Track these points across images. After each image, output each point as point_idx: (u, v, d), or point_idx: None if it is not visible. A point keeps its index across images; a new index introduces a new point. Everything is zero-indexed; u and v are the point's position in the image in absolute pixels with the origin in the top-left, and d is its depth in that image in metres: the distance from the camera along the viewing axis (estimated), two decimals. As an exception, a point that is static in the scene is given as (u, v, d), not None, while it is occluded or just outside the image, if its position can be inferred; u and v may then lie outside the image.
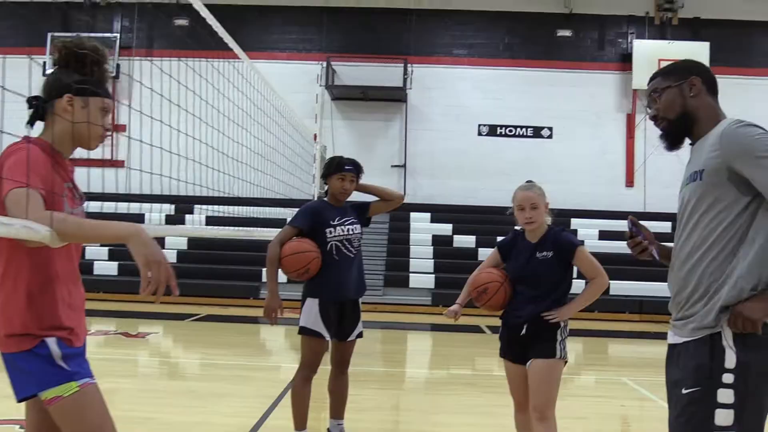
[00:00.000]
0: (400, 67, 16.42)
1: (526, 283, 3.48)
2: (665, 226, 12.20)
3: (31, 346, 2.12)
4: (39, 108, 2.21)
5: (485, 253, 3.23)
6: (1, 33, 16.30)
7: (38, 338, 2.13)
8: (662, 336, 2.61)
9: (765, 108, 15.88)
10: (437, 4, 17.02)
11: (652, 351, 9.47)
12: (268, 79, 6.40)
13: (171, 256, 14.68)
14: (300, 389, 4.11)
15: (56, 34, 16.18)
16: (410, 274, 14.15)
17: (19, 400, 2.18)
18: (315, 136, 9.63)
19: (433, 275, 13.71)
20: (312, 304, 4.11)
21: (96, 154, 2.49)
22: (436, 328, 11.59)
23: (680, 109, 2.30)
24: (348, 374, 4.30)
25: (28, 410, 2.29)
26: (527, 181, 3.60)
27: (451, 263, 14.08)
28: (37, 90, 2.28)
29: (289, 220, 4.27)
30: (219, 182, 5.22)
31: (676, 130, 2.32)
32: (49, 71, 2.26)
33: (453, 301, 3.62)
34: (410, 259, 14.66)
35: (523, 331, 3.46)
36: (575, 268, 3.51)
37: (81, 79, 2.22)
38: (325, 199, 4.30)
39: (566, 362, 3.49)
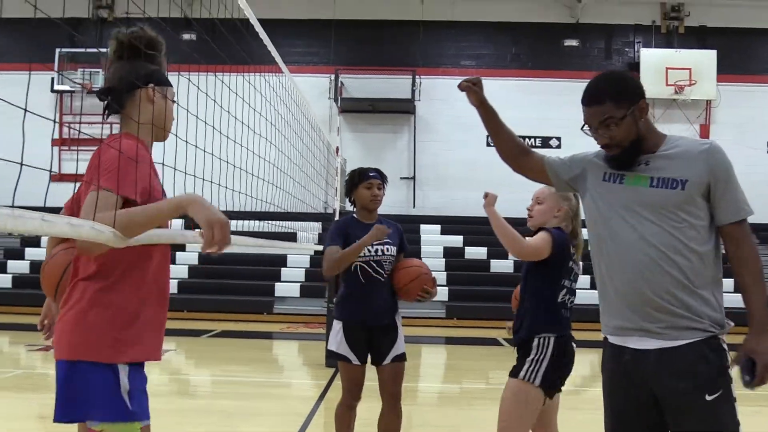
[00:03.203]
0: (408, 78, 16.42)
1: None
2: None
3: (104, 361, 1.98)
4: (117, 101, 2.15)
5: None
6: (7, 49, 16.35)
7: (112, 360, 2.00)
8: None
9: (773, 115, 15.92)
10: (444, 15, 17.05)
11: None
12: (281, 91, 6.36)
13: (182, 272, 14.64)
14: (340, 416, 3.86)
15: (64, 49, 16.22)
16: (422, 287, 14.02)
17: (64, 421, 2.02)
18: (337, 149, 9.59)
19: (446, 288, 13.64)
20: (337, 327, 3.87)
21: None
22: (450, 341, 11.52)
23: (634, 136, 2.26)
24: (401, 409, 3.86)
25: None
26: None
27: (463, 275, 14.01)
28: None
29: (326, 241, 3.99)
30: (234, 196, 5.18)
31: (630, 155, 2.28)
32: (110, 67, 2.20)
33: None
34: (421, 272, 14.53)
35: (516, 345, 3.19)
36: (569, 280, 3.16)
37: (156, 69, 2.21)
38: (354, 215, 3.99)
39: (545, 390, 3.01)
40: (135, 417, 2.02)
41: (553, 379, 3.06)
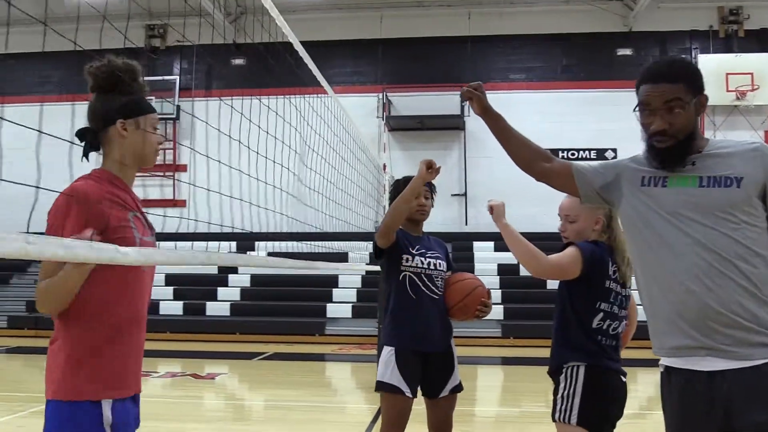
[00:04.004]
0: (457, 94, 16.21)
1: None
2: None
3: (86, 398, 1.99)
4: (91, 139, 2.15)
5: (554, 283, 2.82)
6: (60, 81, 16.84)
7: (95, 395, 2.00)
8: None
9: None
10: (492, 30, 16.83)
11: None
12: (330, 112, 6.27)
13: (234, 294, 14.69)
14: None
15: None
16: (477, 306, 13.71)
17: None
18: (384, 166, 9.45)
19: (502, 306, 13.28)
20: (389, 354, 3.40)
21: (156, 193, 2.36)
22: (507, 361, 11.16)
23: (691, 129, 2.04)
24: None
25: None
26: None
27: (519, 293, 13.64)
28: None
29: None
30: (280, 219, 5.07)
31: (683, 151, 2.03)
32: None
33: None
34: (475, 290, 14.23)
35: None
36: (607, 303, 2.73)
37: (127, 100, 2.16)
38: (400, 227, 3.55)
39: (590, 429, 2.57)
40: None
41: (594, 415, 2.60)
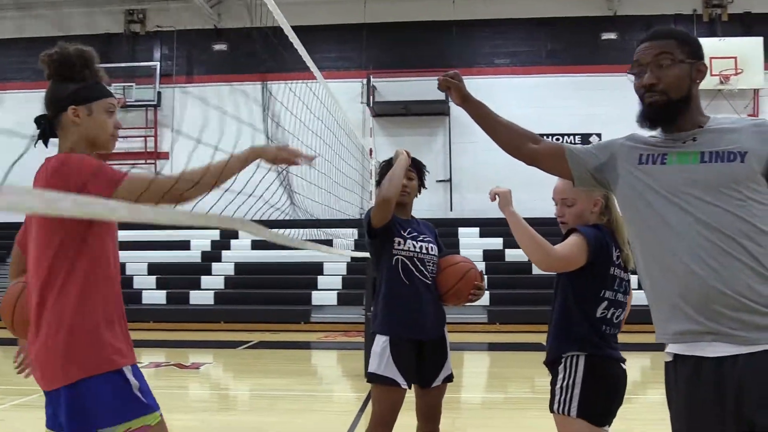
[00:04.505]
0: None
1: None
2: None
3: (107, 370, 2.03)
4: (47, 126, 2.17)
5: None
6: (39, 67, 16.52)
7: (117, 365, 2.05)
8: None
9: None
10: (477, 14, 16.70)
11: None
12: (316, 97, 6.14)
13: (218, 282, 14.57)
14: None
15: (97, 66, 16.32)
16: (462, 291, 13.71)
17: None
18: (371, 151, 9.35)
19: (488, 291, 13.27)
20: (382, 344, 3.25)
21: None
22: (493, 347, 11.17)
23: (684, 93, 1.95)
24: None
25: None
26: None
27: (505, 278, 13.65)
28: None
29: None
30: (264, 206, 4.96)
31: (673, 112, 1.96)
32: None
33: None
34: (461, 276, 14.22)
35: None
36: (612, 291, 2.60)
37: (78, 87, 2.16)
38: None
39: (591, 421, 2.47)
40: (152, 408, 2.09)
41: (596, 407, 2.49)
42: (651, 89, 1.96)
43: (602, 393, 2.52)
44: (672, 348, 1.92)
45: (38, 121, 2.18)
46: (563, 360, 2.56)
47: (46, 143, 2.18)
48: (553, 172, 2.27)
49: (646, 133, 2.09)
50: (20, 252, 2.37)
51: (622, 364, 2.62)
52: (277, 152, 2.14)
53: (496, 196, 2.62)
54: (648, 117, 1.99)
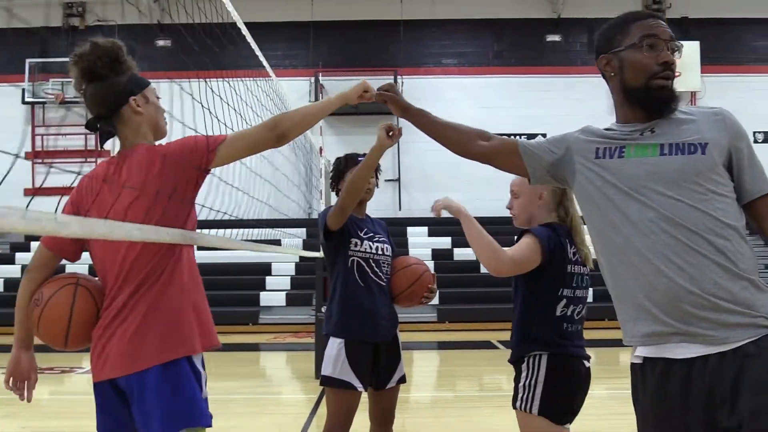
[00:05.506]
0: (390, 79, 16.11)
1: None
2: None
3: (196, 352, 2.12)
4: (107, 126, 2.16)
5: None
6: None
7: (192, 350, 2.11)
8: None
9: (758, 106, 15.79)
10: (425, 14, 16.78)
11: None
12: (264, 93, 6.05)
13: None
14: None
15: (35, 60, 15.78)
16: (411, 291, 13.72)
17: None
18: (321, 149, 9.29)
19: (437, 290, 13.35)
20: (337, 347, 3.19)
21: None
22: (443, 345, 11.23)
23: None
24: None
25: None
26: None
27: (454, 277, 13.73)
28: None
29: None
30: (210, 206, 4.85)
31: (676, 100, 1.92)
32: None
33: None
34: (410, 275, 14.24)
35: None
36: (569, 289, 2.61)
37: (129, 77, 2.17)
38: None
39: (551, 419, 2.50)
40: (209, 420, 2.14)
41: (557, 405, 2.52)
42: (671, 68, 1.88)
43: (564, 391, 2.54)
44: (641, 351, 1.85)
45: (93, 124, 2.15)
46: (526, 359, 2.57)
47: (103, 145, 2.20)
48: (507, 170, 2.20)
49: (600, 125, 2.04)
50: (53, 255, 2.17)
51: (585, 362, 2.64)
52: (350, 95, 2.40)
53: (443, 210, 2.61)
54: (662, 99, 1.88)
